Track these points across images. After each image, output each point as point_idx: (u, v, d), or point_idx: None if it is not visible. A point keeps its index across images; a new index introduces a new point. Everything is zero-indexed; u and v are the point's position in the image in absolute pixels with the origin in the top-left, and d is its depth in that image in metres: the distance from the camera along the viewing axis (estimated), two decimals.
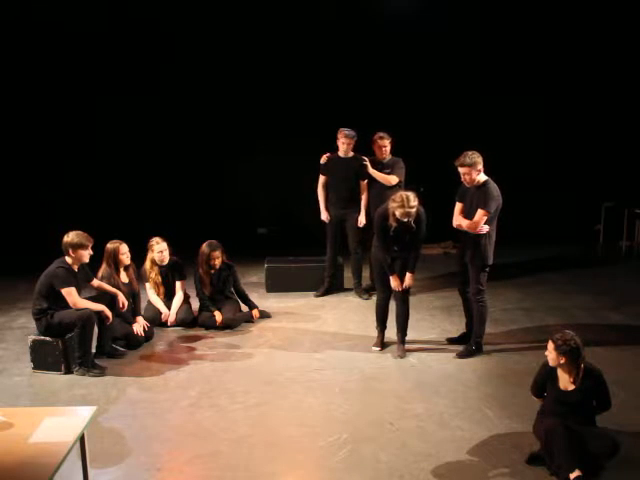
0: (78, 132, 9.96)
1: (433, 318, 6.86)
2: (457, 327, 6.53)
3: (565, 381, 4.05)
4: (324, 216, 7.44)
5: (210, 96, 10.06)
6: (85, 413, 3.59)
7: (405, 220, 5.44)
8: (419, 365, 5.64)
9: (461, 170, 5.52)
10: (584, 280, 8.24)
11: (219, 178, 10.22)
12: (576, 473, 3.75)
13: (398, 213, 5.42)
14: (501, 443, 4.31)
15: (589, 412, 4.07)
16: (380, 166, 7.24)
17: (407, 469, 4.01)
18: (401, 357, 5.78)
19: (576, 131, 10.13)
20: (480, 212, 5.50)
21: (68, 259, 5.56)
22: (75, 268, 5.59)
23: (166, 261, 6.61)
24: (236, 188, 10.18)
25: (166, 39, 9.70)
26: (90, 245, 5.58)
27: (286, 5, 9.58)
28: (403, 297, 5.80)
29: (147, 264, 6.63)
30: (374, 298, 7.03)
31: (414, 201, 5.41)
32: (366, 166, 7.18)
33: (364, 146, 7.36)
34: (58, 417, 3.54)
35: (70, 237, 5.52)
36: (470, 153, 5.50)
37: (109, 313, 5.60)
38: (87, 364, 5.49)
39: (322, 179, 7.42)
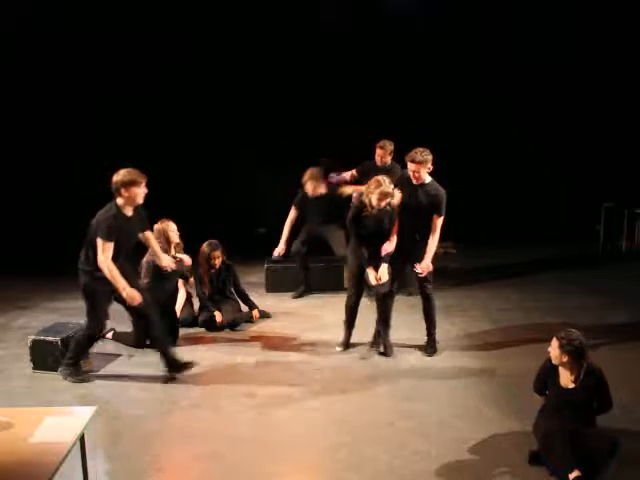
0: (78, 132, 9.95)
1: None
2: (457, 327, 6.54)
3: (566, 378, 4.06)
4: (280, 249, 7.23)
5: (211, 96, 10.05)
6: (85, 413, 3.58)
7: (383, 204, 5.43)
8: (419, 365, 5.64)
9: (411, 167, 5.51)
10: (584, 280, 8.23)
11: (219, 178, 10.21)
12: (575, 473, 3.75)
13: (376, 197, 5.39)
14: (501, 443, 4.31)
15: (590, 412, 4.07)
16: (379, 171, 7.18)
17: (407, 469, 4.01)
18: (389, 355, 5.78)
19: (576, 131, 10.13)
20: (439, 220, 5.58)
21: (120, 201, 4.95)
22: (129, 212, 5.00)
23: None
24: (236, 188, 10.18)
25: (166, 42, 9.70)
26: (144, 182, 4.96)
27: (287, 8, 9.60)
28: (382, 293, 5.74)
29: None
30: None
31: (390, 182, 5.45)
32: (339, 196, 7.18)
33: (365, 150, 7.33)
34: (58, 417, 3.54)
35: (121, 175, 4.90)
36: (422, 150, 5.50)
37: (127, 295, 4.99)
38: (75, 367, 5.33)
39: (293, 213, 7.39)
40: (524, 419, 4.49)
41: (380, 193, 5.39)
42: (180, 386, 5.25)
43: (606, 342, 5.98)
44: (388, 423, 4.60)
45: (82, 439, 3.55)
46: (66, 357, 5.35)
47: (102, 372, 5.59)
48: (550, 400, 4.15)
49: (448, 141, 8.74)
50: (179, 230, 6.23)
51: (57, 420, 3.49)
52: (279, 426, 4.61)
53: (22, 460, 3.14)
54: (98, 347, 6.01)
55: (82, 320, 6.22)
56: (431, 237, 5.64)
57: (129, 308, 5.24)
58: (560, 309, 7.05)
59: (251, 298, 6.96)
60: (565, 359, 3.98)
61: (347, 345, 5.96)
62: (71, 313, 7.04)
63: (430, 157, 5.51)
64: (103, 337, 6.21)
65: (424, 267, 5.63)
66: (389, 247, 5.59)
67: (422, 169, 5.49)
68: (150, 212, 9.48)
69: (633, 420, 4.53)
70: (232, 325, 6.54)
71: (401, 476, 3.95)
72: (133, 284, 5.12)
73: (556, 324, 6.45)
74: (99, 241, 4.87)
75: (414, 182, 5.57)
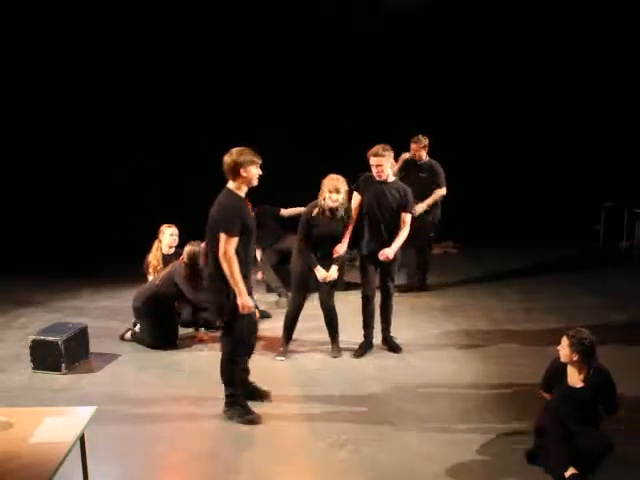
0: (77, 132, 9.95)
1: (433, 318, 6.86)
2: (458, 327, 6.55)
3: (574, 378, 4.04)
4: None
5: (212, 96, 10.05)
6: (85, 413, 3.58)
7: (333, 202, 5.40)
8: (419, 365, 5.64)
9: (374, 161, 5.56)
10: (584, 280, 8.23)
11: (219, 177, 10.19)
12: (571, 471, 3.75)
13: (326, 189, 5.40)
14: (501, 443, 4.30)
15: (594, 412, 4.04)
16: (417, 168, 7.31)
17: (407, 469, 4.01)
18: (336, 357, 5.79)
19: (576, 131, 10.13)
20: (409, 216, 5.69)
21: (232, 184, 4.49)
22: (243, 195, 4.52)
23: (175, 244, 6.56)
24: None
25: (165, 43, 9.70)
26: (260, 163, 4.50)
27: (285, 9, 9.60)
28: (329, 292, 5.77)
29: (151, 255, 6.53)
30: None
31: (343, 181, 5.47)
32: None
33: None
34: (58, 417, 3.54)
35: (235, 154, 4.44)
36: (382, 145, 5.56)
37: (242, 302, 4.39)
38: (239, 404, 4.64)
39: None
40: (524, 419, 4.49)
41: (330, 183, 5.41)
42: (180, 386, 5.25)
43: (606, 342, 5.96)
44: (388, 423, 4.60)
45: (82, 439, 3.55)
46: (225, 395, 4.68)
47: (102, 372, 5.59)
48: (555, 399, 4.14)
49: (448, 141, 8.74)
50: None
51: (57, 420, 3.49)
52: (279, 426, 4.61)
53: (22, 460, 3.14)
54: (98, 347, 6.03)
55: (82, 320, 6.27)
56: (402, 231, 5.69)
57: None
58: (560, 309, 7.05)
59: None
60: (575, 358, 3.97)
61: (286, 353, 5.83)
62: (71, 313, 7.06)
63: (392, 153, 5.60)
64: (121, 338, 6.20)
65: (389, 252, 5.59)
66: (341, 249, 5.61)
67: (385, 163, 5.55)
68: (152, 211, 9.48)
69: (633, 420, 4.52)
70: None
71: (401, 476, 3.94)
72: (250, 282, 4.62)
73: (556, 324, 6.47)
74: (222, 235, 4.35)
75: (377, 178, 5.62)
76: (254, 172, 4.45)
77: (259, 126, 10.01)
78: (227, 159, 4.45)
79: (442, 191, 7.39)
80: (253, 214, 7.63)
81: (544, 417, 4.06)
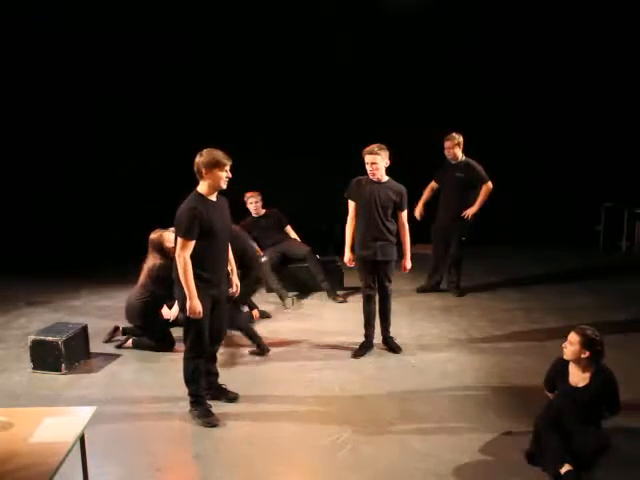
0: (77, 132, 9.95)
1: (433, 318, 6.87)
2: (457, 327, 6.54)
3: (576, 377, 4.03)
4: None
5: (213, 96, 10.05)
6: (85, 413, 3.58)
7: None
8: (419, 365, 5.65)
9: (369, 159, 5.48)
10: (584, 280, 8.24)
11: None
12: (566, 467, 3.75)
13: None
14: (501, 443, 4.30)
15: (596, 412, 4.03)
16: (453, 168, 7.19)
17: (407, 469, 4.01)
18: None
19: (576, 131, 10.12)
20: (405, 215, 5.68)
21: (201, 186, 4.40)
22: (212, 198, 4.44)
23: None
24: (236, 187, 10.15)
25: (165, 43, 9.69)
26: (228, 165, 4.39)
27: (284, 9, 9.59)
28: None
29: None
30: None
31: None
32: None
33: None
34: (58, 417, 3.54)
35: (203, 155, 4.35)
36: (379, 145, 5.50)
37: (189, 306, 4.33)
38: (201, 406, 4.66)
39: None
40: (524, 419, 4.48)
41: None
42: (179, 386, 5.24)
43: (606, 342, 5.93)
44: (388, 423, 4.60)
45: (82, 439, 3.55)
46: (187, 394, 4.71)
47: (102, 372, 5.60)
48: (557, 398, 4.14)
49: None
50: None
51: (57, 420, 3.49)
52: (278, 426, 4.61)
53: (22, 460, 3.14)
54: (98, 347, 6.04)
55: (82, 320, 6.27)
56: (405, 234, 5.73)
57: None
58: (560, 309, 7.06)
59: (251, 298, 6.96)
60: (585, 355, 3.95)
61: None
62: (72, 313, 7.07)
63: (387, 152, 5.52)
64: (121, 346, 6.12)
65: (407, 264, 5.73)
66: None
67: (380, 161, 5.48)
68: (151, 211, 9.46)
69: (633, 420, 4.52)
70: (231, 325, 6.52)
71: (401, 476, 3.95)
72: (219, 287, 4.56)
73: (556, 324, 6.47)
74: (178, 239, 4.32)
75: (371, 177, 5.56)
76: (219, 175, 4.34)
77: (259, 126, 10.04)
78: (196, 159, 4.36)
79: (488, 186, 7.16)
80: (264, 212, 7.59)
81: (539, 416, 4.06)
